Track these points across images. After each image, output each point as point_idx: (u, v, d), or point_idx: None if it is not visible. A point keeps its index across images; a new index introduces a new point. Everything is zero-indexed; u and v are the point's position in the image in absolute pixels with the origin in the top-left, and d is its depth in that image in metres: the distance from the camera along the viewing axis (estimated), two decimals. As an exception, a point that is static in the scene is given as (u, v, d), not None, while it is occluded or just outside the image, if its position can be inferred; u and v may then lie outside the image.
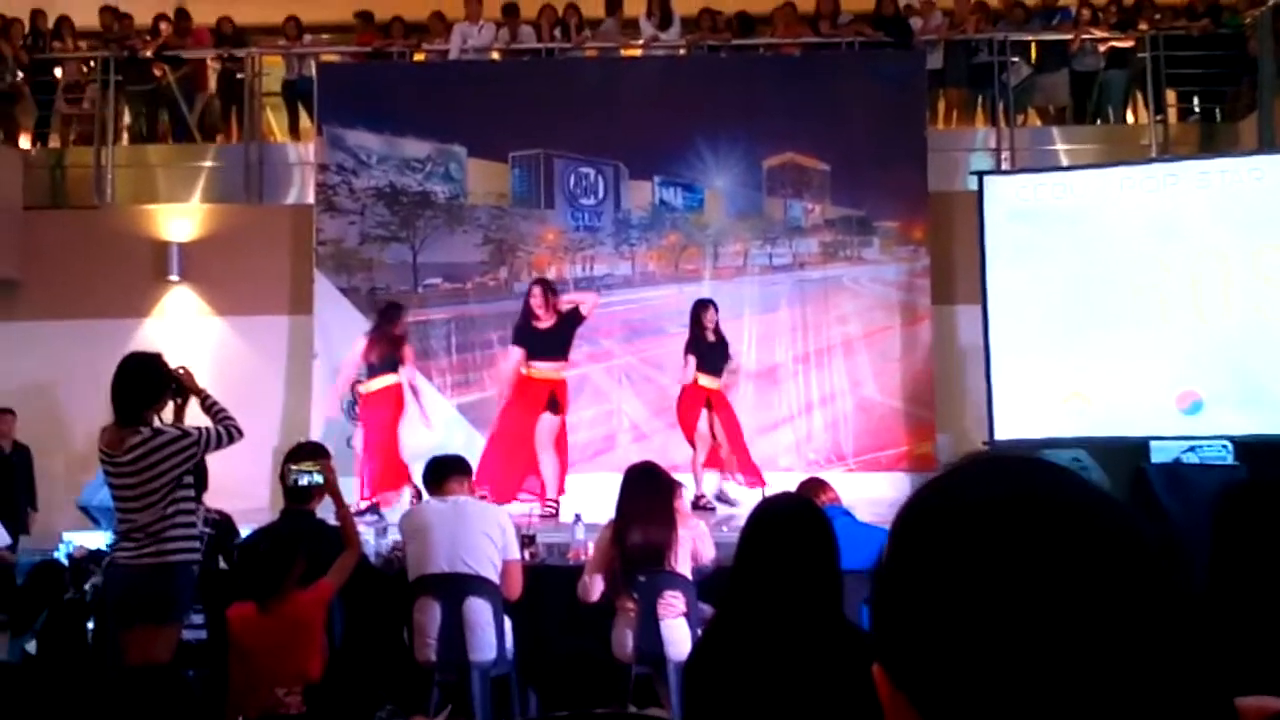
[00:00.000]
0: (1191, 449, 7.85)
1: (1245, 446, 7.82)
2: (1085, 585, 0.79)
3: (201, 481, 5.30)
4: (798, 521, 2.64)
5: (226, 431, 4.97)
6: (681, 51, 11.55)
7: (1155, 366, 8.50)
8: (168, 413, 5.01)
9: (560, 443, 8.76)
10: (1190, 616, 0.82)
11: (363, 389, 9.05)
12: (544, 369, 8.71)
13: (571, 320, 8.81)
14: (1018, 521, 0.82)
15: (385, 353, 8.92)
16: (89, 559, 6.36)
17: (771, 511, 2.74)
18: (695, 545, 5.48)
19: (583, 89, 10.76)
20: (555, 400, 8.67)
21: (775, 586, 2.51)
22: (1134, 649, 0.78)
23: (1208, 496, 6.85)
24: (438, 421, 9.87)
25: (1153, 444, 8.02)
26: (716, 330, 9.03)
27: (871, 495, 8.58)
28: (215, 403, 5.09)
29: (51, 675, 4.91)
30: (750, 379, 10.06)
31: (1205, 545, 2.46)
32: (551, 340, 8.73)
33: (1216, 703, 0.81)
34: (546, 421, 8.65)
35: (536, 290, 8.80)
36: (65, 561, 6.34)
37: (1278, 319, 8.30)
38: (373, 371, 8.95)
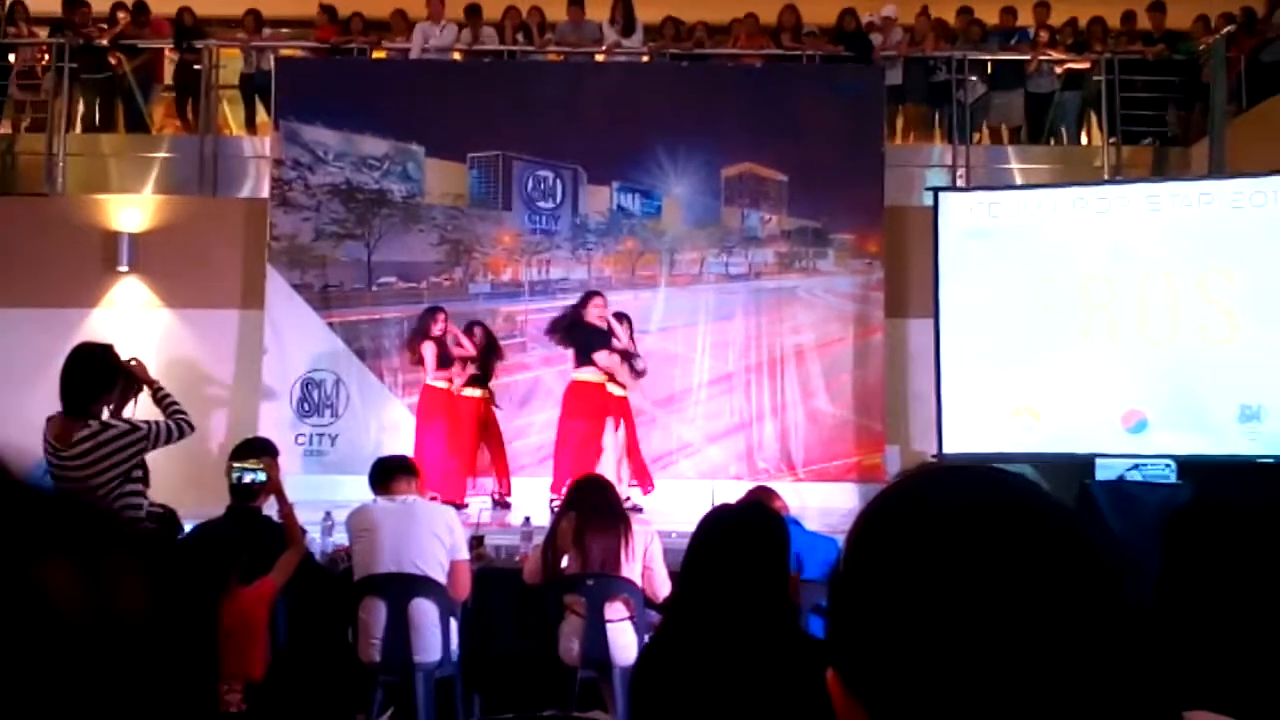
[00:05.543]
0: (1136, 467, 7.96)
1: (1188, 466, 7.94)
2: (1040, 593, 0.80)
3: (145, 473, 5.22)
4: (751, 526, 2.64)
5: (178, 426, 4.90)
6: (644, 59, 11.57)
7: (1102, 385, 8.60)
8: (126, 409, 4.94)
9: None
10: (1140, 626, 0.83)
11: (429, 381, 9.18)
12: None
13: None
14: (975, 529, 0.83)
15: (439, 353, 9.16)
16: None
17: (724, 517, 2.73)
18: (649, 570, 5.49)
19: (543, 92, 10.75)
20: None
21: (727, 592, 2.50)
22: (1087, 657, 0.79)
23: (1151, 514, 6.97)
24: (388, 421, 9.85)
25: (1098, 461, 8.13)
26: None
27: (819, 505, 8.65)
28: (168, 395, 5.02)
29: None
30: (703, 387, 10.10)
31: (1148, 561, 2.48)
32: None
33: (1166, 713, 0.82)
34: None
35: (600, 301, 9.02)
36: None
37: (1222, 342, 8.43)
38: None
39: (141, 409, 5.04)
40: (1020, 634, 0.79)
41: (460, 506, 8.40)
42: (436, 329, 9.15)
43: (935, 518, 0.84)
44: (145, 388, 5.00)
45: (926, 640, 0.80)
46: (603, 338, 8.86)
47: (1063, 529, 0.85)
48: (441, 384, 9.14)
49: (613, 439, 8.80)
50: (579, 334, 8.93)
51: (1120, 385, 8.59)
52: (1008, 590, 0.80)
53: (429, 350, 9.08)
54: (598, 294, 9.11)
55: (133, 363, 4.99)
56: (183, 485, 7.68)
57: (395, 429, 9.71)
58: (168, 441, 4.89)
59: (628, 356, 8.98)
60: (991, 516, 0.84)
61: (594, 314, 8.89)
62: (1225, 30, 10.87)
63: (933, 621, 0.80)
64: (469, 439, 9.17)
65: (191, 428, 4.93)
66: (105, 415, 4.83)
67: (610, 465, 8.55)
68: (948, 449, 8.85)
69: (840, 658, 0.87)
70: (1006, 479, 0.89)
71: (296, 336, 10.14)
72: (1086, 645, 0.79)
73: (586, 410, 8.81)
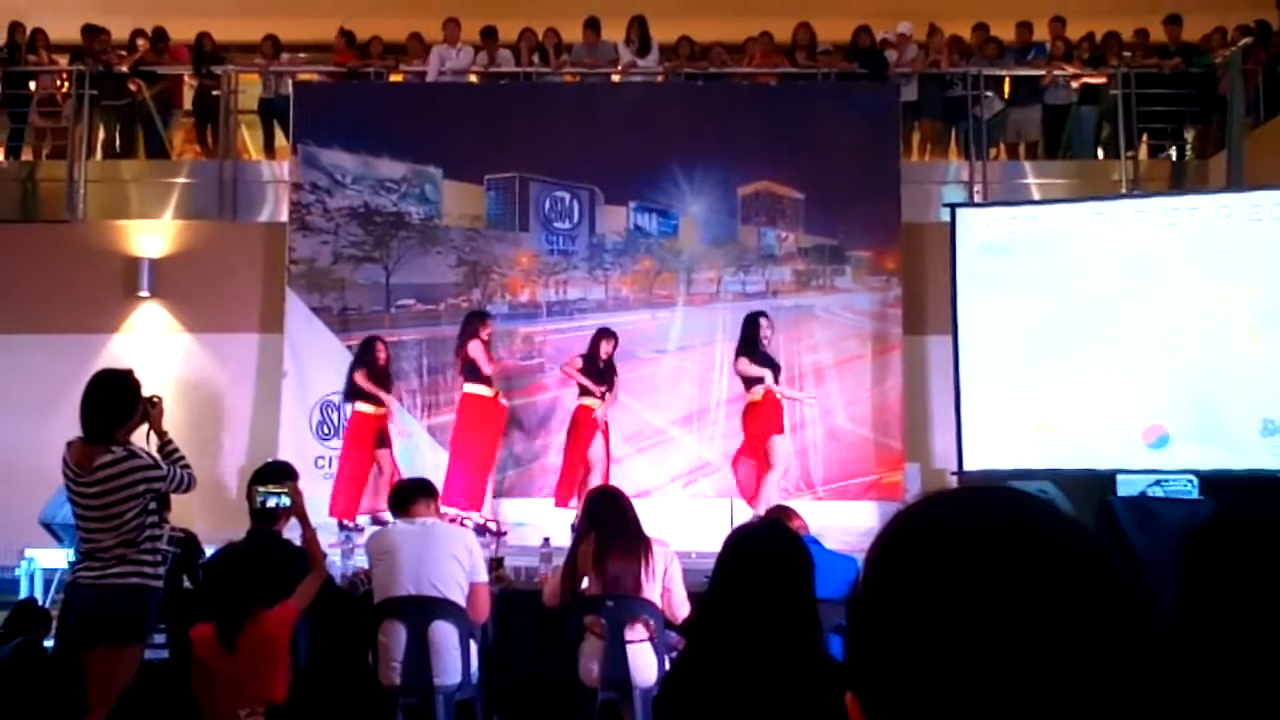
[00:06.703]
0: (1157, 483, 7.89)
1: (1210, 481, 7.87)
2: (1059, 618, 0.80)
3: (164, 501, 5.26)
4: (774, 549, 2.62)
5: (188, 478, 4.97)
6: (659, 78, 11.60)
7: (1122, 400, 8.56)
8: (138, 435, 4.98)
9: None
10: (1161, 648, 0.83)
11: (467, 389, 9.30)
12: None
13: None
14: (994, 552, 0.82)
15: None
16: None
17: (748, 539, 2.71)
18: (669, 591, 5.45)
19: (560, 113, 10.78)
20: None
21: (751, 616, 2.49)
22: (1107, 682, 0.79)
23: (1173, 530, 6.93)
24: (409, 443, 9.85)
25: (1119, 477, 8.06)
26: (608, 360, 9.29)
27: (839, 524, 8.61)
28: (176, 450, 5.05)
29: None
30: (721, 405, 10.08)
31: (1171, 578, 2.47)
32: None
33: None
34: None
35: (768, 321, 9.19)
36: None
37: (1243, 355, 8.38)
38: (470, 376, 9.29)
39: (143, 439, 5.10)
40: (1038, 659, 0.78)
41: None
42: (485, 333, 9.20)
43: (952, 541, 0.84)
44: (152, 432, 5.06)
45: (944, 665, 0.80)
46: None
47: (1082, 552, 0.84)
48: (483, 391, 9.16)
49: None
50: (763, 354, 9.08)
51: (1141, 400, 8.54)
52: (1026, 615, 0.79)
53: (476, 349, 9.11)
54: (765, 315, 9.27)
55: (155, 400, 5.04)
56: (202, 509, 7.72)
57: (415, 451, 9.73)
58: (176, 489, 4.96)
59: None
60: (1009, 540, 0.83)
61: (765, 334, 9.11)
62: (1242, 43, 10.84)
63: (950, 646, 0.80)
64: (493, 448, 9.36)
65: (195, 484, 5.03)
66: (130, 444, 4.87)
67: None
68: (968, 465, 8.81)
69: (859, 681, 0.87)
70: (1024, 500, 0.89)
71: (316, 359, 10.16)
72: (1106, 670, 0.79)
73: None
